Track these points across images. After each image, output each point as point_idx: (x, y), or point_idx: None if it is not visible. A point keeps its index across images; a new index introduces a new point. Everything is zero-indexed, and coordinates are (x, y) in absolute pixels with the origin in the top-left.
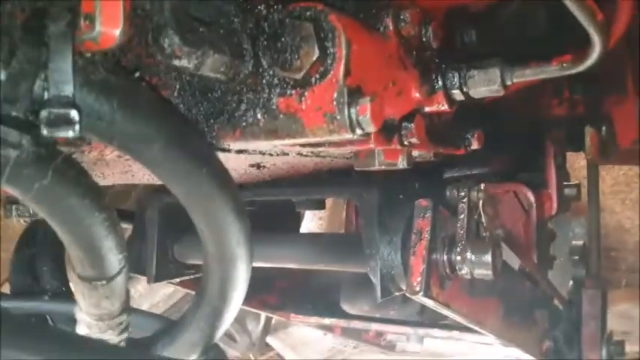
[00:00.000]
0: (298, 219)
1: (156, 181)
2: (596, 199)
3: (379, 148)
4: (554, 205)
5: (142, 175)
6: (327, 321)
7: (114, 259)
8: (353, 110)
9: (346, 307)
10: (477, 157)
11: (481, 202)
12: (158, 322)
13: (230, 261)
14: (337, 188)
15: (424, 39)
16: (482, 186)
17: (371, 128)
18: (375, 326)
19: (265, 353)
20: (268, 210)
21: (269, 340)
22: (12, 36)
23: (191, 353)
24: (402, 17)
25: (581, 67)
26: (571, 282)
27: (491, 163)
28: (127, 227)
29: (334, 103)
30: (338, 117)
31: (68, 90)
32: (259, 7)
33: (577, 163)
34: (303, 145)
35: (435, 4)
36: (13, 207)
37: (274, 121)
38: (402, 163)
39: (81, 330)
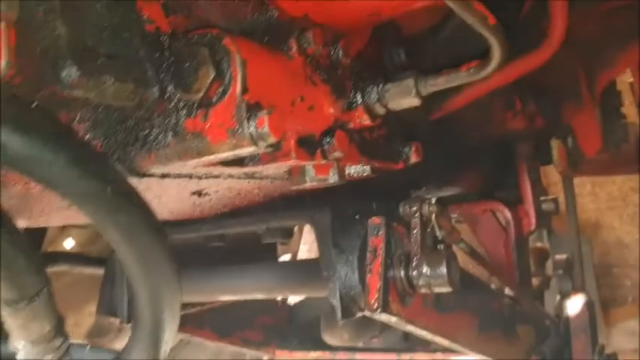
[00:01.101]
0: (274, 250)
1: None
2: (574, 211)
3: (303, 162)
4: (533, 221)
5: None
6: (312, 354)
7: (29, 280)
8: (252, 123)
9: (327, 338)
10: (445, 177)
11: (434, 215)
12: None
13: (153, 277)
14: (291, 212)
15: (334, 56)
16: (434, 200)
17: (271, 139)
18: (360, 356)
19: None
20: (240, 245)
21: None
22: None
23: None
24: (304, 37)
25: (487, 71)
26: (558, 296)
27: (462, 182)
28: (100, 272)
29: (234, 118)
30: (239, 131)
31: None
32: (162, 38)
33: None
34: (225, 164)
35: (343, 24)
36: None
37: (183, 142)
38: (332, 178)
39: (20, 356)
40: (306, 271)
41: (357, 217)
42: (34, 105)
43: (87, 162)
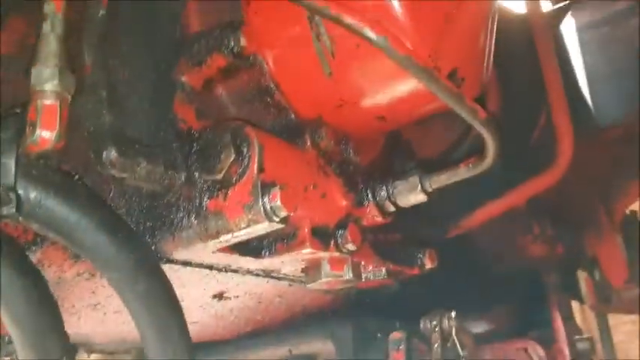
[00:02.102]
0: None
1: (131, 330)
2: (611, 351)
3: (317, 252)
4: None
5: (112, 312)
6: None
7: (53, 344)
8: (266, 199)
9: None
10: (474, 309)
11: (454, 329)
12: None
13: (169, 351)
14: (312, 328)
15: (345, 154)
16: (453, 314)
17: (283, 212)
18: None
19: None
20: None
21: None
22: None
23: None
24: (317, 133)
25: (485, 166)
26: None
27: (492, 318)
28: None
29: (250, 194)
30: (254, 206)
31: (10, 180)
32: (193, 133)
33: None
34: (242, 253)
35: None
36: None
37: (205, 222)
38: (347, 274)
39: None
40: None
41: (379, 335)
42: (75, 177)
43: (116, 230)
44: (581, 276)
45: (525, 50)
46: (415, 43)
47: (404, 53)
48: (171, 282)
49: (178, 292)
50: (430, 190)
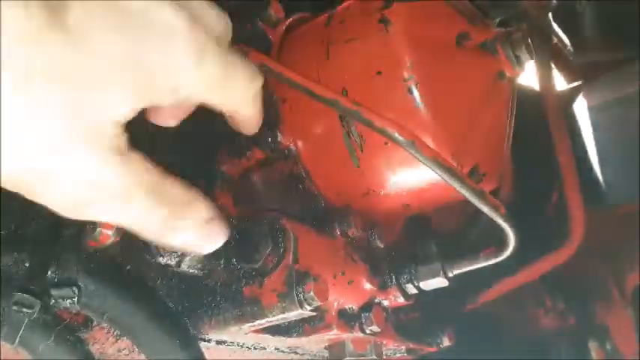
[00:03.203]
0: None
1: None
2: None
3: (341, 332)
4: None
5: None
6: None
7: None
8: (300, 289)
9: None
10: None
11: None
12: None
13: None
14: None
15: (371, 240)
16: None
17: (316, 302)
18: None
19: None
20: None
21: None
22: (36, 239)
23: None
24: (346, 222)
25: (505, 256)
26: None
27: None
28: None
29: (285, 284)
30: (288, 295)
31: (72, 275)
32: (232, 218)
33: None
34: (273, 334)
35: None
36: None
37: (240, 307)
38: (370, 354)
39: None
40: None
41: None
42: (127, 268)
43: (164, 318)
44: (593, 346)
45: (537, 126)
46: (439, 144)
47: (430, 155)
48: None
49: None
50: (451, 275)
